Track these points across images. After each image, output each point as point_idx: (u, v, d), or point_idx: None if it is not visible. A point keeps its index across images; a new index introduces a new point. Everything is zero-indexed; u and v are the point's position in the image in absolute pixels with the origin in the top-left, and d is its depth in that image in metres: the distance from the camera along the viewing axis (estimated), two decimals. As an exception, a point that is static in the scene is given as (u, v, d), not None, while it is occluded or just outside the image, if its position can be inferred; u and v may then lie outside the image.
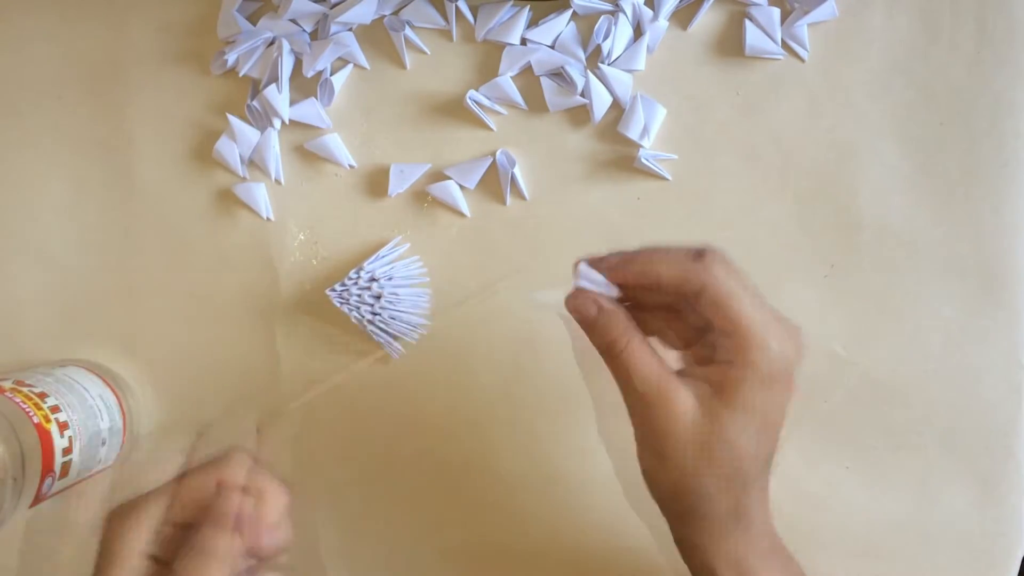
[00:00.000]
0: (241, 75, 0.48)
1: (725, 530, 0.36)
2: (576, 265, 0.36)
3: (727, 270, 0.35)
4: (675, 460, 0.35)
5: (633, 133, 0.46)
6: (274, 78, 0.48)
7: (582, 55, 0.47)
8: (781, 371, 0.35)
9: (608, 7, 0.47)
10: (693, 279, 0.35)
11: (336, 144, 0.49)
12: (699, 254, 0.35)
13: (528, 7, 0.47)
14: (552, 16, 0.47)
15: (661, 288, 0.35)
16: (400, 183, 0.49)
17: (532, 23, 0.47)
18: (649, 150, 0.47)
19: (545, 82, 0.47)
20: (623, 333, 0.35)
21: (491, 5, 0.47)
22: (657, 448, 0.35)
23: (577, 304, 0.36)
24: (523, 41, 0.47)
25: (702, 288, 0.35)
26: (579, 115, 0.48)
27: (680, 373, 0.36)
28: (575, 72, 0.46)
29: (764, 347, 0.35)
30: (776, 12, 0.46)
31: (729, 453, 0.35)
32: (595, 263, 0.36)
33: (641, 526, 0.48)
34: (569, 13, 0.47)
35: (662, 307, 0.37)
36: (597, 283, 0.36)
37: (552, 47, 0.47)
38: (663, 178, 0.48)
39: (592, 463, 0.49)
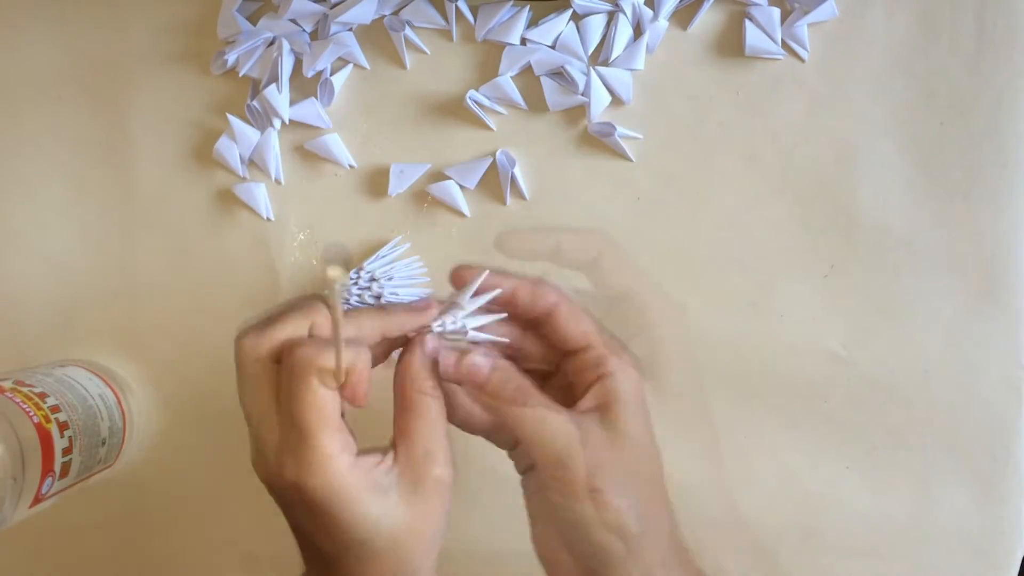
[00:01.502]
0: (241, 75, 0.48)
1: (670, 557, 0.36)
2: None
3: (565, 290, 0.37)
4: (616, 496, 0.34)
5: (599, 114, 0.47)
6: (274, 78, 0.48)
7: (583, 54, 0.47)
8: (636, 386, 0.36)
9: (608, 7, 0.47)
10: (545, 295, 0.36)
11: (336, 144, 0.49)
12: (538, 280, 0.36)
13: (528, 7, 0.47)
14: (552, 16, 0.47)
15: (513, 306, 0.36)
16: (400, 183, 0.49)
17: (532, 23, 0.47)
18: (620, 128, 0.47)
19: (545, 82, 0.47)
20: (522, 383, 0.35)
21: (491, 5, 0.47)
22: (592, 496, 0.34)
23: (470, 364, 0.35)
24: (523, 41, 0.47)
25: (555, 304, 0.36)
26: (579, 115, 0.48)
27: (572, 411, 0.35)
28: (576, 71, 0.46)
29: (616, 357, 0.35)
30: (776, 12, 0.46)
31: (648, 465, 0.36)
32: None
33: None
34: (569, 13, 0.47)
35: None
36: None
37: (552, 47, 0.47)
38: (662, 177, 0.48)
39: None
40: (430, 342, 0.36)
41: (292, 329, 0.35)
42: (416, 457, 0.34)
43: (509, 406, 0.35)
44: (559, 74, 0.47)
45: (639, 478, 0.35)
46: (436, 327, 0.36)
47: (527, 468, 0.38)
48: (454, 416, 0.38)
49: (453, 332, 0.36)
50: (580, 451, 0.34)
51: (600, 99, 0.47)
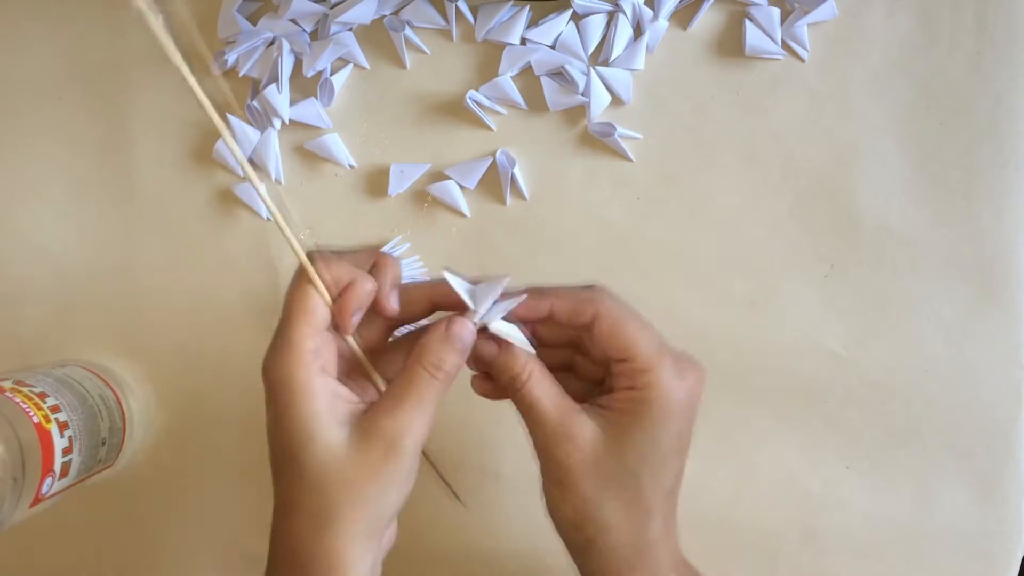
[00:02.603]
0: (241, 75, 0.48)
1: (627, 565, 0.35)
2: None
3: (617, 299, 0.36)
4: (576, 490, 0.35)
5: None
6: (274, 78, 0.48)
7: (583, 54, 0.47)
8: (681, 400, 0.35)
9: (608, 7, 0.47)
10: (586, 308, 0.35)
11: (336, 144, 0.49)
12: (589, 287, 0.36)
13: (528, 7, 0.47)
14: (552, 16, 0.47)
15: (554, 321, 0.36)
16: (400, 183, 0.49)
17: (532, 23, 0.47)
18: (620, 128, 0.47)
19: (545, 82, 0.47)
20: (523, 367, 0.35)
21: (491, 5, 0.47)
22: (559, 478, 0.35)
23: (478, 346, 0.36)
24: (523, 41, 0.47)
25: (595, 316, 0.35)
26: (579, 115, 0.48)
27: (584, 405, 0.36)
28: (576, 71, 0.46)
29: (660, 371, 0.35)
30: (776, 12, 0.46)
31: (630, 482, 0.35)
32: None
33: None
34: (569, 13, 0.47)
35: (566, 345, 0.38)
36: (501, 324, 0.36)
37: (552, 47, 0.47)
38: (662, 177, 0.48)
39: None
40: (459, 327, 0.35)
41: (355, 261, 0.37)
42: (387, 421, 0.34)
43: (511, 384, 0.36)
44: (559, 74, 0.47)
45: (624, 488, 0.35)
46: (480, 319, 0.36)
47: None
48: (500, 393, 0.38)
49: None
50: (559, 444, 0.35)
51: (600, 99, 0.47)
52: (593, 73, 0.47)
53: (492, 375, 0.37)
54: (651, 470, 0.35)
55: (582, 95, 0.47)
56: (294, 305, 0.35)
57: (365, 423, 0.34)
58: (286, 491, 0.34)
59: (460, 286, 0.36)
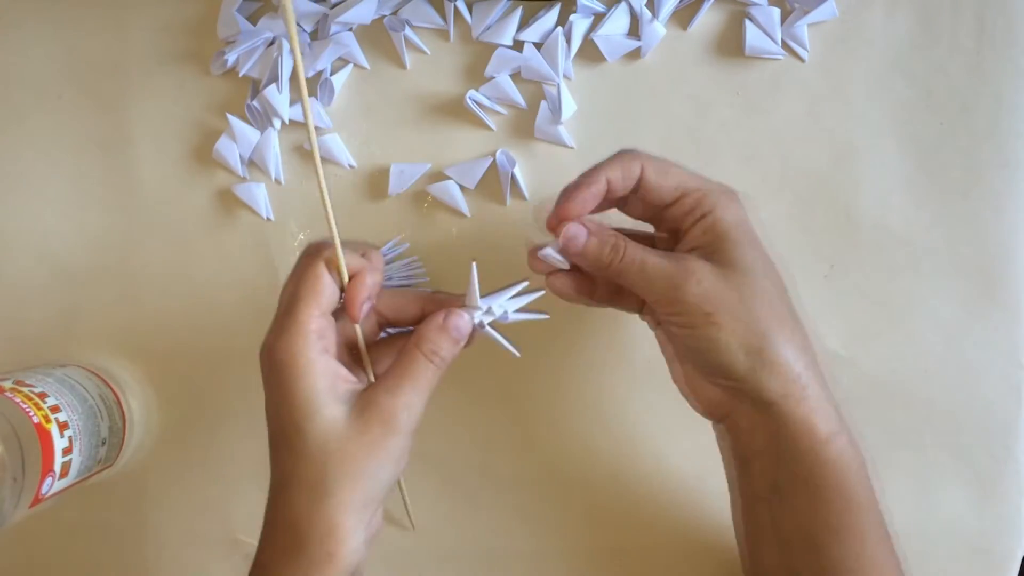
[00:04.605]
0: (241, 75, 0.48)
1: (804, 376, 0.36)
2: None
3: (646, 153, 0.38)
4: (731, 313, 0.36)
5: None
6: (274, 78, 0.48)
7: (569, 55, 0.47)
8: (741, 216, 0.38)
9: (602, 8, 0.47)
10: (633, 164, 0.38)
11: (336, 144, 0.49)
12: (623, 151, 0.39)
13: (521, 7, 0.47)
14: (541, 13, 0.47)
15: (610, 191, 0.38)
16: (400, 183, 0.49)
17: (523, 23, 0.47)
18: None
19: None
20: (617, 240, 0.37)
21: (485, 3, 0.47)
22: (707, 315, 0.36)
23: (568, 236, 0.38)
24: (517, 44, 0.47)
25: (643, 167, 0.38)
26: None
27: (672, 253, 0.38)
28: (554, 93, 0.47)
29: (715, 193, 0.38)
30: (776, 12, 0.46)
31: (764, 292, 0.37)
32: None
33: (642, 525, 0.48)
34: (557, 8, 0.47)
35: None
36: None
37: (541, 44, 0.47)
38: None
39: (592, 462, 0.49)
40: (457, 319, 0.38)
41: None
42: (386, 400, 0.36)
43: (610, 265, 0.37)
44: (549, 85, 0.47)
45: (757, 297, 0.36)
46: (478, 318, 0.39)
47: (656, 324, 0.41)
48: (582, 290, 0.40)
49: (497, 320, 0.39)
50: (685, 284, 0.36)
51: (568, 108, 0.47)
52: (563, 86, 0.47)
53: (587, 262, 0.38)
54: (763, 275, 0.37)
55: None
56: (305, 286, 0.36)
57: (364, 401, 0.36)
58: (285, 464, 0.36)
59: (475, 281, 0.39)
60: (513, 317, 0.39)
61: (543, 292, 0.40)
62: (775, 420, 0.36)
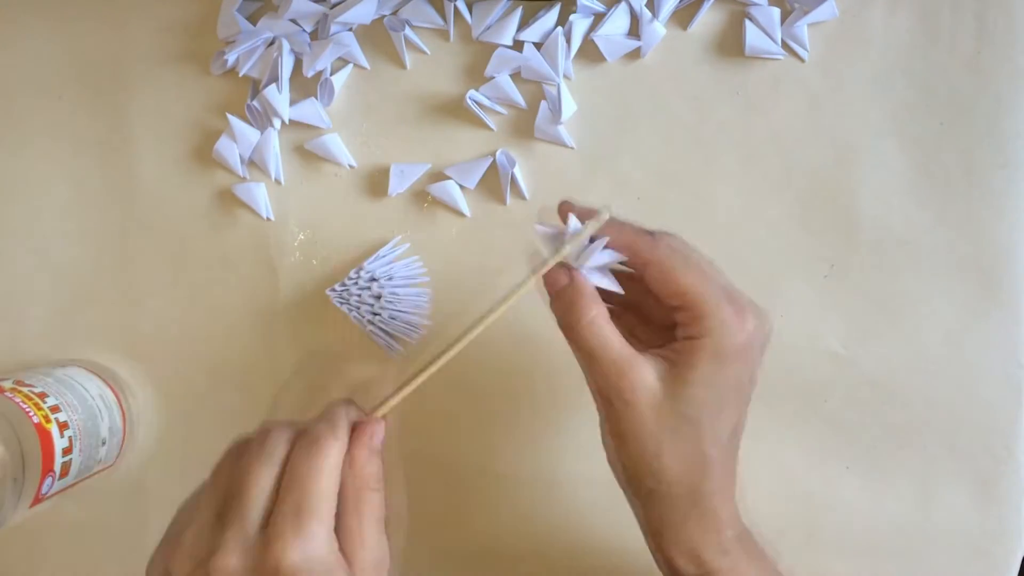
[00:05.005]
0: (241, 75, 0.48)
1: (683, 516, 0.35)
2: (565, 213, 0.36)
3: (676, 245, 0.36)
4: (635, 437, 0.35)
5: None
6: (274, 78, 0.48)
7: (569, 55, 0.47)
8: (740, 345, 0.34)
9: (602, 8, 0.47)
10: (642, 250, 0.35)
11: (336, 144, 0.49)
12: (651, 232, 0.36)
13: (521, 7, 0.47)
14: (541, 13, 0.47)
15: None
16: (400, 183, 0.49)
17: (523, 23, 0.47)
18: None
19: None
20: (589, 304, 0.35)
21: (485, 3, 0.47)
22: (618, 426, 0.35)
23: (550, 274, 0.36)
24: (517, 44, 0.47)
25: (648, 261, 0.35)
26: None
27: (647, 353, 0.36)
28: (554, 93, 0.47)
29: (715, 316, 0.34)
30: (776, 12, 0.46)
31: (689, 430, 0.35)
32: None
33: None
34: (557, 8, 0.47)
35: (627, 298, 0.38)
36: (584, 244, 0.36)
37: (541, 44, 0.47)
38: (662, 177, 0.48)
39: (592, 462, 0.48)
40: (376, 435, 0.35)
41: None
42: (368, 561, 0.33)
43: (566, 322, 0.35)
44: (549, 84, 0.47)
45: (680, 436, 0.35)
46: (564, 252, 0.36)
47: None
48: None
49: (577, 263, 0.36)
50: (617, 388, 0.34)
51: (567, 108, 0.47)
52: (563, 86, 0.47)
53: (558, 307, 0.36)
54: (709, 418, 0.35)
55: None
56: (322, 479, 0.33)
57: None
58: None
59: (546, 232, 0.36)
60: (586, 272, 0.36)
61: (624, 257, 0.36)
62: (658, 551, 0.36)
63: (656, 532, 0.36)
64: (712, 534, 0.36)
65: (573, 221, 0.36)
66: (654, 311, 0.38)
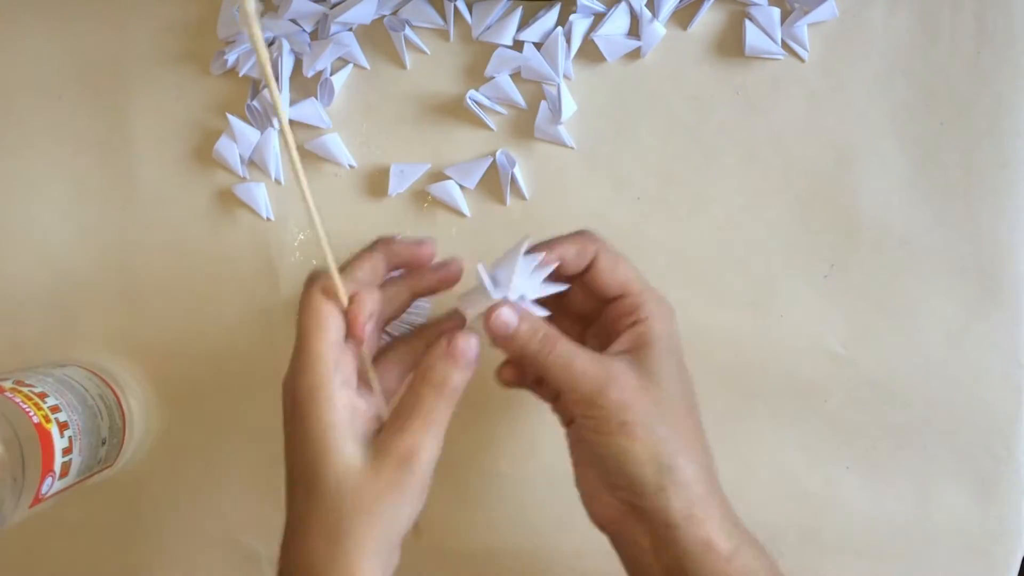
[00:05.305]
0: (241, 75, 0.48)
1: (699, 500, 0.35)
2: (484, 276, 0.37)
3: (601, 238, 0.38)
4: (642, 427, 0.35)
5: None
6: (274, 78, 0.48)
7: (569, 55, 0.47)
8: (672, 317, 0.38)
9: (602, 8, 0.47)
10: (588, 247, 0.37)
11: (336, 144, 0.49)
12: (580, 231, 0.38)
13: (521, 7, 0.47)
14: (541, 13, 0.47)
15: (563, 268, 0.37)
16: (400, 183, 0.49)
17: (523, 23, 0.47)
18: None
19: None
20: (548, 332, 0.36)
21: (485, 3, 0.47)
22: (620, 422, 0.35)
23: (499, 321, 0.36)
24: (517, 44, 0.47)
25: (596, 254, 0.37)
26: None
27: (602, 354, 0.37)
28: (554, 93, 0.47)
29: (653, 298, 0.37)
30: (776, 12, 0.46)
31: (679, 408, 0.36)
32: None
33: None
34: (557, 8, 0.47)
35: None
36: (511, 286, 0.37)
37: (541, 44, 0.47)
38: (662, 177, 0.48)
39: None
40: (463, 343, 0.36)
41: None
42: (398, 441, 0.34)
43: (537, 355, 0.36)
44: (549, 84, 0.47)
45: (672, 414, 0.36)
46: (498, 295, 0.36)
47: (569, 421, 0.40)
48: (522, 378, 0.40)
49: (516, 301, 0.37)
50: (607, 389, 0.35)
51: (567, 108, 0.47)
52: (563, 86, 0.47)
53: (511, 351, 0.37)
54: (686, 392, 0.37)
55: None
56: (309, 320, 0.35)
57: (379, 441, 0.35)
58: (301, 505, 0.35)
59: (485, 278, 0.37)
60: (531, 296, 0.37)
61: (557, 263, 0.37)
62: (677, 543, 0.35)
63: (682, 521, 0.35)
64: (712, 472, 0.37)
65: (487, 278, 0.37)
66: (575, 309, 0.40)
